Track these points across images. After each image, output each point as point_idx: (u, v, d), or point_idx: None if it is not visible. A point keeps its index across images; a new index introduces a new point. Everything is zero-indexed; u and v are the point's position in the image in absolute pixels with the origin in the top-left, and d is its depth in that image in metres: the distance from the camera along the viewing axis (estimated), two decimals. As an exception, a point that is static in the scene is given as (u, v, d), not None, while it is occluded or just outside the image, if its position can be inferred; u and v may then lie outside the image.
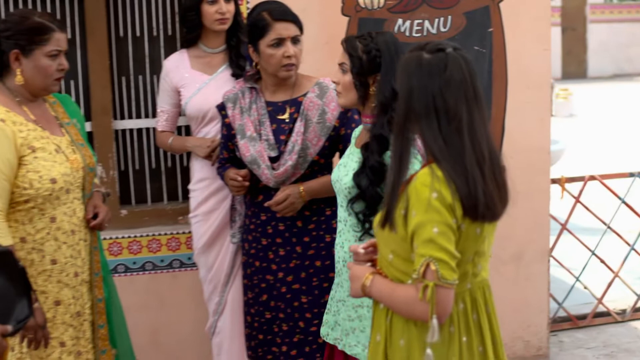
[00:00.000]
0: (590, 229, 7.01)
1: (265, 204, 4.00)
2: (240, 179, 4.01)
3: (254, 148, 3.98)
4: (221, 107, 4.15)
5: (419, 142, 3.33)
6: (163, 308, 4.91)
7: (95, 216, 3.73)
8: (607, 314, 6.20)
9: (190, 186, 4.52)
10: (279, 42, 3.92)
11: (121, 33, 4.97)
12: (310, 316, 3.98)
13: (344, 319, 3.54)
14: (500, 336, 2.89)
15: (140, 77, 5.01)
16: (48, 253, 3.56)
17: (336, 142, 3.97)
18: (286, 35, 3.93)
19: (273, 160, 3.96)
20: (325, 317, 3.64)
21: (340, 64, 3.54)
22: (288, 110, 3.98)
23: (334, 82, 3.65)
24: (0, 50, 3.56)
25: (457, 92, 2.72)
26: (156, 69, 4.94)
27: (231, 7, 4.37)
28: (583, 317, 6.15)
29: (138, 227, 4.94)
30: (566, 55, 29.57)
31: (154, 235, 4.90)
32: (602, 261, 6.29)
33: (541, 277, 5.48)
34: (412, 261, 2.70)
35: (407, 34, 4.99)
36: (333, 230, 3.94)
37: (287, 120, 3.99)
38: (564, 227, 6.13)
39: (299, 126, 3.94)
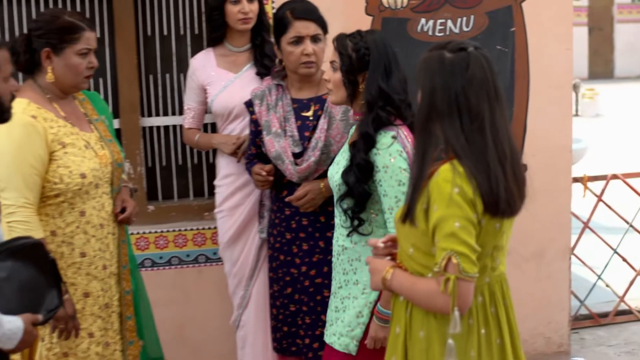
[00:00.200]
0: (613, 227, 7.02)
1: (287, 199, 4.08)
2: (264, 173, 4.10)
3: (278, 144, 4.07)
4: (249, 104, 4.24)
5: (401, 135, 3.42)
6: (189, 302, 4.98)
7: (123, 210, 3.82)
8: (628, 312, 6.22)
9: (216, 182, 4.60)
10: (298, 40, 3.99)
11: (149, 32, 5.05)
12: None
13: (331, 310, 3.66)
14: (517, 329, 2.95)
15: (167, 76, 5.08)
16: (77, 246, 3.66)
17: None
18: (305, 33, 4.00)
19: (297, 156, 4.04)
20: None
21: (331, 62, 3.61)
22: (312, 108, 4.05)
23: (325, 80, 3.71)
24: (32, 49, 3.65)
25: (479, 90, 2.77)
26: (183, 68, 5.01)
27: (254, 6, 4.44)
28: (605, 315, 6.17)
29: (165, 222, 5.02)
30: (593, 55, 29.43)
31: (180, 230, 4.98)
32: (624, 259, 6.31)
33: (562, 275, 5.51)
34: (433, 255, 2.76)
35: (430, 33, 5.04)
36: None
37: (311, 118, 4.06)
38: (586, 225, 6.16)
39: (322, 123, 4.01)
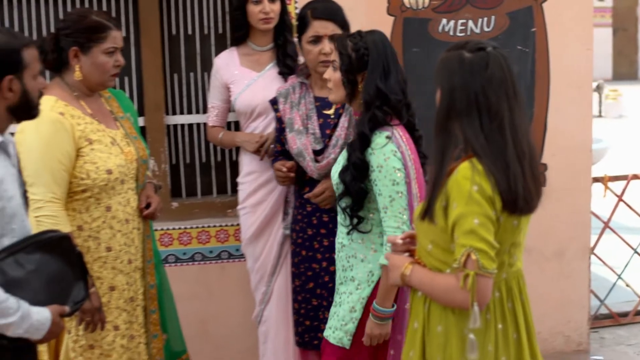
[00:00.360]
0: (633, 227, 7.04)
1: (305, 196, 4.14)
2: (284, 169, 4.16)
3: (300, 141, 4.13)
4: (273, 102, 4.30)
5: (396, 135, 3.45)
6: (211, 297, 5.04)
7: (148, 206, 3.89)
8: (649, 311, 6.25)
9: (239, 179, 4.66)
10: (317, 40, 4.04)
11: (174, 31, 5.11)
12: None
13: (333, 305, 3.72)
14: (533, 324, 3.00)
15: (191, 75, 5.14)
16: (103, 241, 3.73)
17: None
18: (323, 33, 4.05)
19: (318, 153, 4.10)
20: None
21: (332, 62, 3.66)
22: (334, 106, 4.08)
23: (326, 79, 3.76)
24: (60, 48, 3.72)
25: (498, 90, 2.81)
26: (207, 67, 5.07)
27: (275, 6, 4.48)
28: (625, 314, 6.20)
29: (188, 219, 5.08)
30: (617, 56, 29.35)
31: (203, 227, 5.04)
32: (645, 259, 6.34)
33: (582, 274, 5.54)
34: (451, 251, 2.81)
35: (451, 33, 5.09)
36: (375, 223, 4.04)
37: (332, 116, 4.11)
38: (606, 225, 6.18)
39: (343, 121, 4.07)
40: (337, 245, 3.75)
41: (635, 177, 6.26)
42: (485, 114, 2.80)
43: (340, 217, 3.70)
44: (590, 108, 5.49)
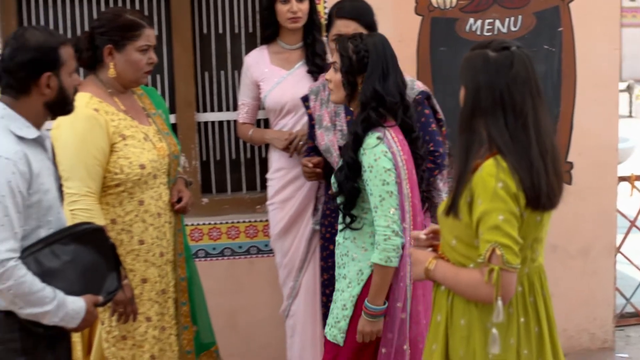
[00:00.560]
0: (660, 226, 7.03)
1: (330, 192, 4.21)
2: (311, 165, 4.23)
3: (327, 137, 4.20)
4: (305, 99, 4.37)
5: (388, 136, 3.50)
6: (240, 292, 5.11)
7: (179, 200, 3.96)
8: (674, 310, 6.25)
9: (268, 175, 4.74)
10: (339, 38, 4.10)
11: (205, 30, 5.19)
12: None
13: (334, 307, 3.77)
14: (554, 319, 3.04)
15: (222, 73, 5.22)
16: (136, 234, 3.80)
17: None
18: (345, 31, 4.08)
19: (344, 149, 4.16)
20: None
21: (333, 63, 3.72)
22: None
23: (326, 80, 3.81)
24: (94, 46, 3.80)
25: (523, 88, 2.85)
26: (237, 65, 5.14)
27: (303, 6, 4.53)
28: (651, 313, 6.21)
29: (218, 214, 5.16)
30: (648, 56, 29.15)
31: (233, 222, 5.12)
32: (671, 258, 6.34)
33: (607, 272, 5.56)
34: (475, 246, 2.86)
35: (478, 33, 5.14)
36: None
37: None
38: (632, 224, 6.19)
39: None
40: (335, 243, 3.82)
41: (662, 176, 6.26)
42: (509, 113, 2.84)
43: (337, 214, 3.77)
44: (617, 107, 5.51)
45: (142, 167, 3.76)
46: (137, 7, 5.07)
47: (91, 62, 3.85)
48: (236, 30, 5.22)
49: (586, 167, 5.37)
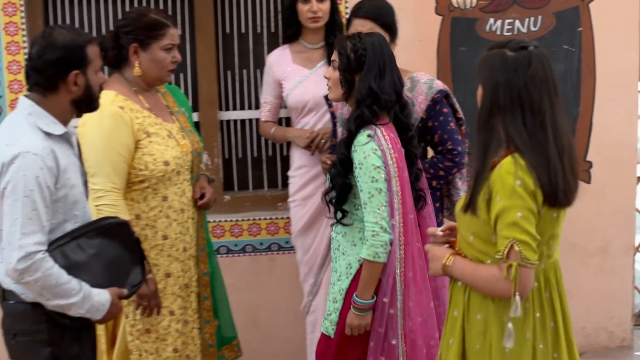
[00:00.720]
0: (680, 226, 7.03)
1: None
2: (329, 162, 4.28)
3: (346, 135, 4.25)
4: (327, 97, 4.41)
5: (379, 134, 3.54)
6: (261, 288, 5.17)
7: (202, 196, 4.02)
8: (694, 310, 6.25)
9: (290, 173, 4.79)
10: None
11: (227, 30, 5.25)
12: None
13: (329, 300, 3.84)
14: (569, 314, 3.08)
15: (244, 71, 5.27)
16: (160, 229, 3.87)
17: (424, 133, 4.16)
18: (360, 30, 4.09)
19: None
20: None
21: (332, 61, 3.76)
22: None
23: (325, 78, 3.86)
24: (120, 45, 3.86)
25: (540, 87, 2.90)
26: (259, 64, 5.20)
27: (324, 6, 4.57)
28: (670, 312, 6.21)
29: (240, 211, 5.21)
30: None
31: (254, 219, 5.17)
32: (690, 258, 6.33)
33: (626, 270, 5.57)
34: (492, 242, 2.91)
35: (498, 33, 5.17)
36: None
37: None
38: (652, 223, 6.19)
39: None
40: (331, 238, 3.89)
41: (682, 176, 6.25)
42: (527, 111, 2.89)
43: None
44: (636, 107, 5.52)
45: (166, 163, 3.82)
46: (161, 6, 5.13)
47: (116, 61, 3.91)
48: (258, 30, 5.27)
49: (605, 166, 5.39)
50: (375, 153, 3.59)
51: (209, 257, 4.13)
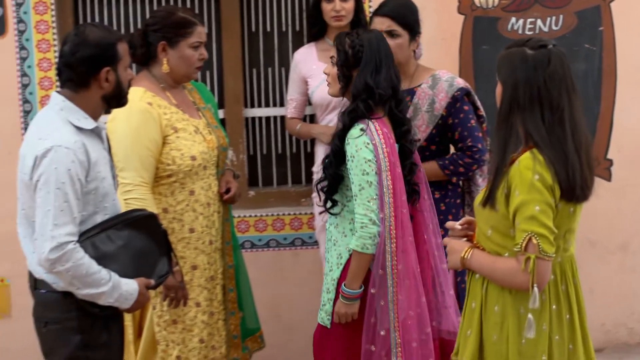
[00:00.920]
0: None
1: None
2: None
3: (370, 132, 4.31)
4: None
5: (372, 128, 3.58)
6: (284, 282, 5.24)
7: (227, 191, 4.10)
8: None
9: (314, 168, 4.85)
10: None
11: (253, 28, 5.32)
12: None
13: (323, 291, 3.91)
14: (585, 307, 3.14)
15: (269, 69, 5.34)
16: (187, 222, 3.95)
17: (445, 130, 4.22)
18: (380, 28, 4.17)
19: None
20: None
21: (331, 57, 3.84)
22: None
23: (325, 73, 3.94)
24: (148, 42, 3.95)
25: (559, 84, 2.96)
26: (284, 62, 5.28)
27: (347, 5, 4.62)
28: (690, 309, 6.22)
29: (264, 207, 5.28)
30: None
31: (278, 215, 5.25)
32: None
33: (646, 268, 5.63)
34: (510, 236, 2.98)
35: (520, 32, 5.22)
36: (440, 212, 4.19)
37: None
38: (672, 221, 6.21)
39: (409, 112, 4.20)
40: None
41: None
42: (546, 108, 2.95)
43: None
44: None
45: (193, 158, 3.90)
46: (189, 5, 5.20)
47: (145, 58, 3.99)
48: (283, 29, 5.33)
49: (626, 164, 5.42)
50: (367, 147, 3.66)
51: (234, 250, 4.20)
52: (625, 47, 5.35)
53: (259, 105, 5.37)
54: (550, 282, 3.03)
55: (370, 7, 5.03)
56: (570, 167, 2.93)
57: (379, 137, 3.69)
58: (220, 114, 5.06)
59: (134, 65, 4.10)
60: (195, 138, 3.94)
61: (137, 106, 3.79)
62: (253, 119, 5.37)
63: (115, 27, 5.16)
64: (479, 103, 4.34)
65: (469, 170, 4.21)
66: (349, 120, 3.73)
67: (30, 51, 4.93)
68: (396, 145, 3.78)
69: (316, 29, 4.78)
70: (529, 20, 5.25)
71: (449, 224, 3.30)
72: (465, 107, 4.19)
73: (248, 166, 5.36)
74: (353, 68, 3.76)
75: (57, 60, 4.72)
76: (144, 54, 3.98)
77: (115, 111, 3.75)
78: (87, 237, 3.19)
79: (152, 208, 3.74)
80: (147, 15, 4.97)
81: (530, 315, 2.97)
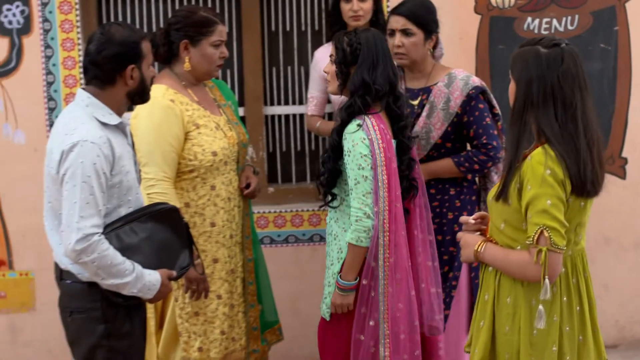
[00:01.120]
0: None
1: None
2: None
3: (386, 129, 4.38)
4: None
5: (368, 124, 3.66)
6: (303, 277, 5.30)
7: (247, 186, 4.18)
8: None
9: (332, 165, 4.92)
10: (391, 33, 4.25)
11: (273, 28, 5.40)
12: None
13: (324, 284, 4.00)
14: (595, 299, 3.21)
15: (289, 68, 5.42)
16: (208, 217, 4.02)
17: (460, 128, 4.26)
18: (394, 27, 4.24)
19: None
20: None
21: (330, 56, 3.92)
22: (420, 97, 4.29)
23: (324, 72, 4.02)
24: (170, 41, 4.03)
25: (572, 82, 3.03)
26: (303, 61, 5.36)
27: (365, 5, 4.68)
28: None
29: (283, 203, 5.36)
30: None
31: (297, 211, 5.32)
32: None
33: (661, 265, 5.65)
34: (522, 229, 3.06)
35: (536, 31, 5.27)
36: (456, 209, 4.26)
37: (416, 106, 4.30)
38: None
39: (423, 111, 4.25)
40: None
41: None
42: (559, 105, 3.02)
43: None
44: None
45: (214, 154, 3.98)
46: (210, 5, 5.28)
47: (167, 57, 4.06)
48: (303, 28, 5.41)
49: (639, 162, 5.49)
50: (363, 142, 3.74)
51: (253, 244, 4.27)
52: (640, 47, 5.41)
53: (279, 104, 5.44)
54: (562, 274, 3.10)
55: (388, 7, 5.09)
56: (581, 162, 2.99)
57: (375, 132, 3.77)
58: (241, 111, 5.14)
59: (156, 64, 4.22)
60: (216, 134, 4.02)
61: (159, 103, 3.87)
62: (273, 116, 5.45)
63: (137, 26, 5.21)
64: (494, 101, 4.37)
65: (484, 168, 4.25)
66: (346, 115, 3.82)
67: (55, 50, 5.03)
68: (393, 141, 3.86)
69: (336, 29, 4.81)
70: (545, 20, 5.29)
71: (463, 218, 3.37)
72: (481, 105, 4.23)
73: (267, 163, 5.44)
74: (351, 65, 3.84)
75: (81, 58, 4.86)
76: (166, 52, 4.05)
77: (139, 108, 3.84)
78: (112, 229, 3.27)
79: (175, 202, 3.81)
80: (169, 15, 5.05)
81: (541, 306, 3.04)
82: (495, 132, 4.28)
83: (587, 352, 3.16)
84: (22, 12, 5.00)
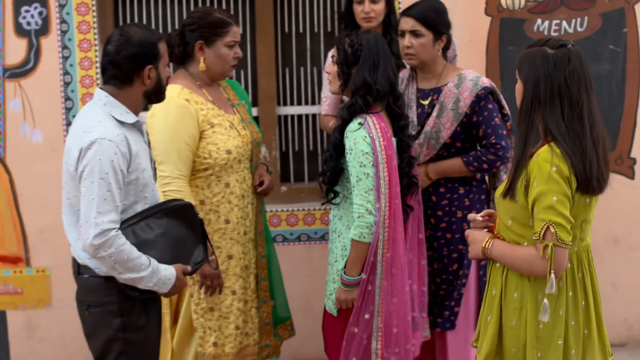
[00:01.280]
0: None
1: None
2: None
3: (397, 128, 4.44)
4: None
5: (369, 122, 3.72)
6: (314, 275, 5.30)
7: (261, 183, 4.24)
8: None
9: (344, 164, 4.97)
10: (401, 34, 4.31)
11: (286, 29, 5.46)
12: (439, 281, 4.35)
13: (327, 280, 4.08)
14: (600, 295, 3.26)
15: (302, 69, 5.48)
16: (222, 214, 4.09)
17: (469, 128, 4.29)
18: (404, 28, 4.29)
19: (415, 138, 4.35)
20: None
21: (332, 56, 4.00)
22: (431, 97, 4.33)
23: (326, 72, 4.09)
24: (185, 42, 4.09)
25: (579, 82, 3.09)
26: (316, 62, 5.41)
27: (377, 7, 4.70)
28: None
29: (295, 202, 5.42)
30: None
31: (309, 210, 5.38)
32: None
33: (669, 264, 5.68)
34: (529, 226, 3.11)
35: (546, 33, 5.31)
36: (465, 207, 4.30)
37: (427, 106, 4.34)
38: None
39: (434, 111, 4.29)
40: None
41: None
42: (566, 104, 3.08)
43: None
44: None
45: (229, 152, 4.04)
46: (224, 7, 5.34)
47: (182, 57, 4.13)
48: (315, 30, 5.47)
49: (649, 163, 5.53)
50: (364, 140, 3.82)
51: (266, 241, 4.34)
52: (649, 49, 5.43)
53: (292, 104, 5.50)
54: (567, 270, 3.15)
55: (399, 8, 5.12)
56: (587, 160, 3.05)
57: (376, 130, 3.85)
58: (254, 111, 5.19)
59: (170, 64, 4.28)
60: (230, 133, 4.08)
61: (175, 103, 3.93)
62: (285, 116, 5.50)
63: (153, 27, 5.29)
64: (504, 102, 4.41)
65: (493, 167, 4.29)
66: (347, 114, 3.90)
67: (72, 50, 5.10)
68: (394, 139, 3.93)
69: (349, 30, 4.88)
70: (555, 21, 5.34)
71: (471, 215, 3.42)
72: (490, 106, 4.27)
73: (280, 162, 5.49)
74: (352, 66, 3.93)
75: (97, 59, 4.93)
76: (181, 53, 4.11)
77: (155, 107, 3.91)
78: (128, 225, 3.33)
79: (190, 200, 3.85)
80: (184, 16, 5.12)
81: (546, 300, 3.10)
82: (504, 132, 4.31)
83: (592, 345, 3.21)
84: (40, 13, 5.08)
